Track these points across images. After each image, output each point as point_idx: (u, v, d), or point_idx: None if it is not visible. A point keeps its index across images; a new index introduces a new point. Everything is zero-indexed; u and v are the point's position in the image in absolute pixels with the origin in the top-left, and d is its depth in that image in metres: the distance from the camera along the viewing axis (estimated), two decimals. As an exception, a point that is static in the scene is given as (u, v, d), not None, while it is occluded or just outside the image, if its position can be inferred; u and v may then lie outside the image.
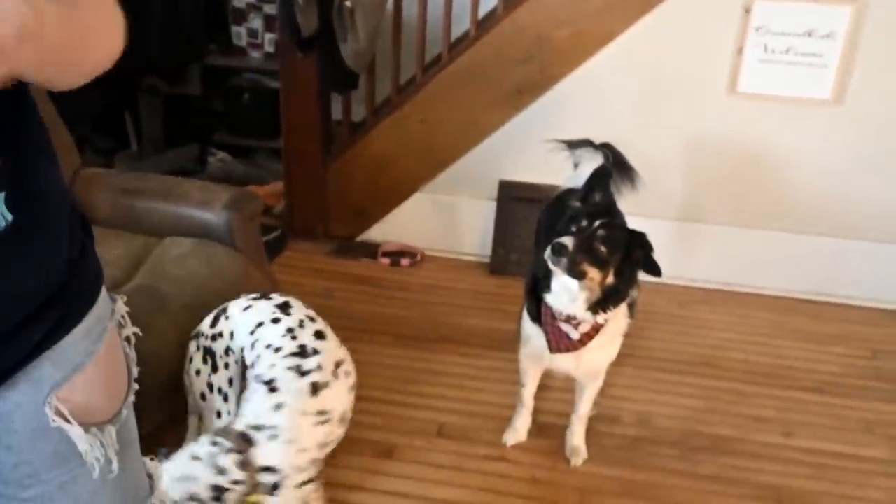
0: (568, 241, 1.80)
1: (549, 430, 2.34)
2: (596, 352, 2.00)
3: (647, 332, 2.88)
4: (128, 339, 1.12)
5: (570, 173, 2.51)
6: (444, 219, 3.39)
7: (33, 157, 0.88)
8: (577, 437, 2.25)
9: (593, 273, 1.83)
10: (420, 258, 3.34)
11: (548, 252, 1.78)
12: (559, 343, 1.96)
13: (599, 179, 2.03)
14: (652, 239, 1.90)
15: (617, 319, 1.97)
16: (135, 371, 1.13)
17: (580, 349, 1.96)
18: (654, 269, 1.88)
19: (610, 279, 1.85)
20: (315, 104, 3.24)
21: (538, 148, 3.24)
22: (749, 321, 3.05)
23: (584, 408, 2.23)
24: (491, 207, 3.32)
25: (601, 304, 1.87)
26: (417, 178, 3.32)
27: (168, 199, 2.33)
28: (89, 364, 1.00)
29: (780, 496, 2.16)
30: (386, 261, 3.30)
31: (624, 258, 1.85)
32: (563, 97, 3.12)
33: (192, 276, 2.12)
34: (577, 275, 1.82)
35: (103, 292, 1.04)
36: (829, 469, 2.28)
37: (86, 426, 1.01)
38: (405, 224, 3.40)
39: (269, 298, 1.91)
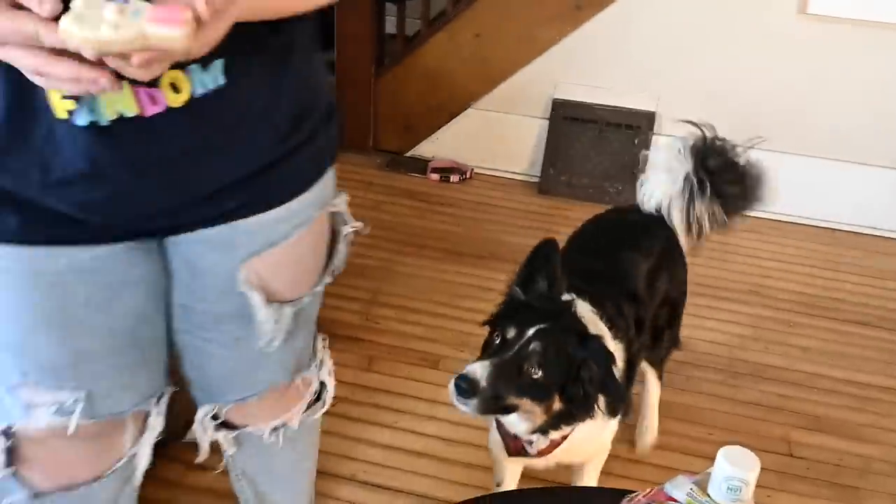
0: (479, 370, 1.25)
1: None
2: (568, 453, 1.51)
3: (695, 259, 2.84)
4: (346, 237, 1.20)
5: (642, 182, 1.88)
6: (495, 137, 3.35)
7: (264, 38, 0.91)
8: None
9: (528, 406, 1.31)
10: (469, 175, 3.32)
11: (450, 386, 1.25)
12: (516, 448, 1.49)
13: (543, 259, 1.41)
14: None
15: (592, 424, 1.42)
16: (338, 264, 1.21)
17: (536, 456, 1.50)
18: (616, 393, 1.33)
19: (557, 405, 1.32)
20: (369, 15, 3.19)
21: (595, 67, 3.18)
22: (801, 252, 3.01)
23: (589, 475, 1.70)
24: (543, 126, 3.27)
25: (552, 426, 1.37)
26: (470, 94, 3.28)
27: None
28: (283, 245, 1.07)
29: (820, 425, 2.17)
30: (435, 177, 3.29)
31: (574, 379, 1.30)
32: (624, 13, 3.02)
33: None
34: (503, 412, 1.33)
35: (323, 182, 1.10)
36: (873, 402, 2.27)
37: (267, 300, 1.08)
38: (455, 141, 3.38)
39: None
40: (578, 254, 1.75)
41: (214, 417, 1.27)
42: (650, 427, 2.01)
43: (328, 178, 1.12)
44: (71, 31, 0.67)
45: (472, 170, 3.35)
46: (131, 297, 1.04)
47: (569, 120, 3.24)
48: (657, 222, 1.82)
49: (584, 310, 1.43)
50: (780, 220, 3.19)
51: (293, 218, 1.06)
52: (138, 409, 1.15)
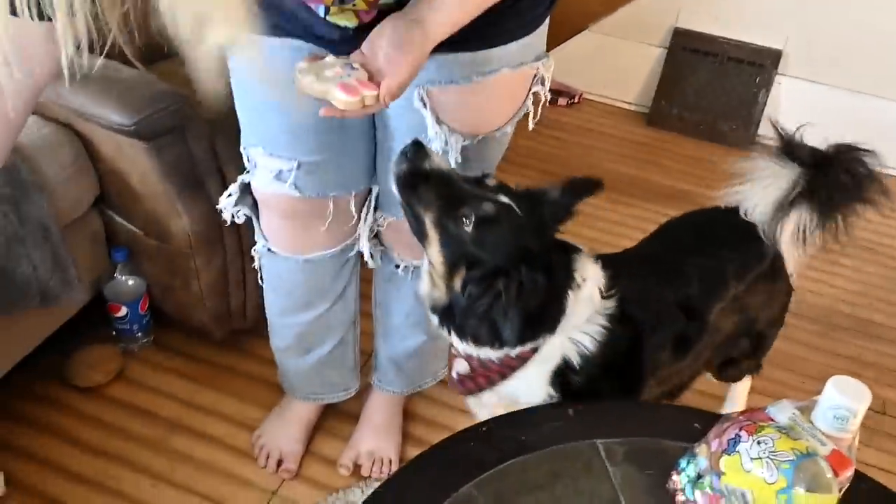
0: (438, 157, 1.12)
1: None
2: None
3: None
4: (535, 99, 1.30)
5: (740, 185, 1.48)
6: (609, 62, 3.25)
7: None
8: None
9: (433, 246, 1.11)
10: (578, 100, 3.25)
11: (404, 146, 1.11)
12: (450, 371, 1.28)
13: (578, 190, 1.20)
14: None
15: (525, 387, 1.19)
16: (521, 116, 1.31)
17: (461, 392, 1.26)
18: (504, 331, 1.07)
19: (457, 283, 1.10)
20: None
21: (724, -4, 3.02)
22: (923, 213, 2.84)
23: None
24: (660, 56, 3.15)
25: (445, 316, 1.14)
26: (589, 14, 3.16)
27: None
28: (461, 86, 1.18)
29: (922, 389, 2.08)
30: (543, 97, 3.23)
31: (485, 278, 1.07)
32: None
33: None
34: (412, 219, 1.13)
35: (520, 44, 1.18)
36: (981, 372, 2.16)
37: (439, 120, 1.22)
38: (567, 62, 3.27)
39: None
40: (656, 245, 1.45)
41: (376, 237, 1.50)
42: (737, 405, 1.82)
43: (527, 41, 1.18)
44: (296, 72, 0.99)
45: (581, 94, 3.27)
46: None
47: (688, 51, 3.11)
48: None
49: (588, 267, 1.15)
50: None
51: (475, 66, 1.17)
52: (338, 196, 1.37)
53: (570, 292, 1.12)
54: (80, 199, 1.67)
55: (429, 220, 1.10)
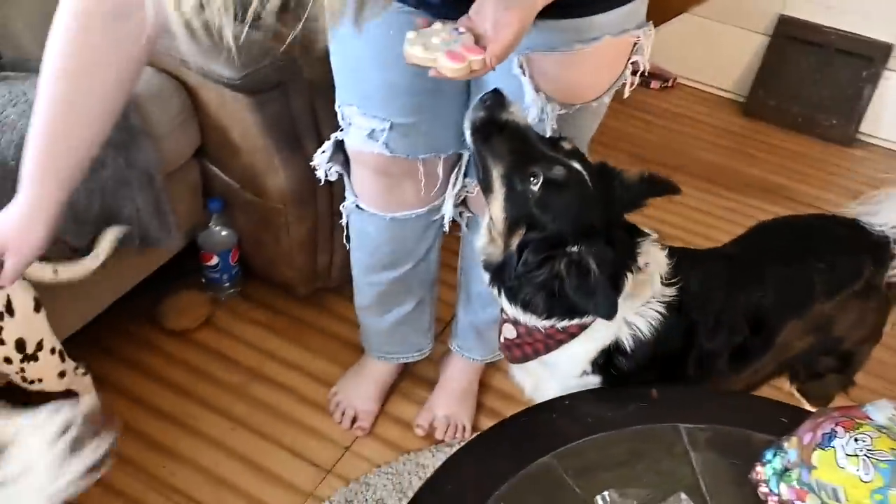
0: (517, 108, 1.08)
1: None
2: (536, 385, 1.25)
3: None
4: (634, 69, 1.27)
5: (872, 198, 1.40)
6: (707, 47, 3.16)
7: None
8: None
9: (496, 200, 1.08)
10: (672, 84, 3.18)
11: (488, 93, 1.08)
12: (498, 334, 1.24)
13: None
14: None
15: (568, 364, 1.17)
16: (618, 86, 1.29)
17: (508, 358, 1.23)
18: (590, 294, 1.01)
19: (512, 244, 1.07)
20: None
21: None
22: None
23: None
24: (761, 43, 3.05)
25: (497, 276, 1.11)
26: (692, -3, 3.09)
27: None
28: (561, 53, 1.19)
29: None
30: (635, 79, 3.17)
31: (548, 242, 1.04)
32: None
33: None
34: (480, 169, 1.10)
35: (620, 11, 1.17)
36: None
37: (537, 88, 1.22)
38: (663, 45, 3.17)
39: None
40: (740, 246, 1.38)
41: (464, 203, 1.52)
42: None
43: (629, 8, 1.17)
44: (405, 42, 0.98)
45: (676, 78, 3.20)
46: None
47: (792, 40, 2.99)
48: (871, 250, 1.34)
49: (652, 252, 1.13)
50: None
51: (578, 33, 1.16)
52: (428, 158, 1.39)
53: (628, 274, 1.08)
54: (183, 149, 1.73)
55: (496, 174, 1.07)
